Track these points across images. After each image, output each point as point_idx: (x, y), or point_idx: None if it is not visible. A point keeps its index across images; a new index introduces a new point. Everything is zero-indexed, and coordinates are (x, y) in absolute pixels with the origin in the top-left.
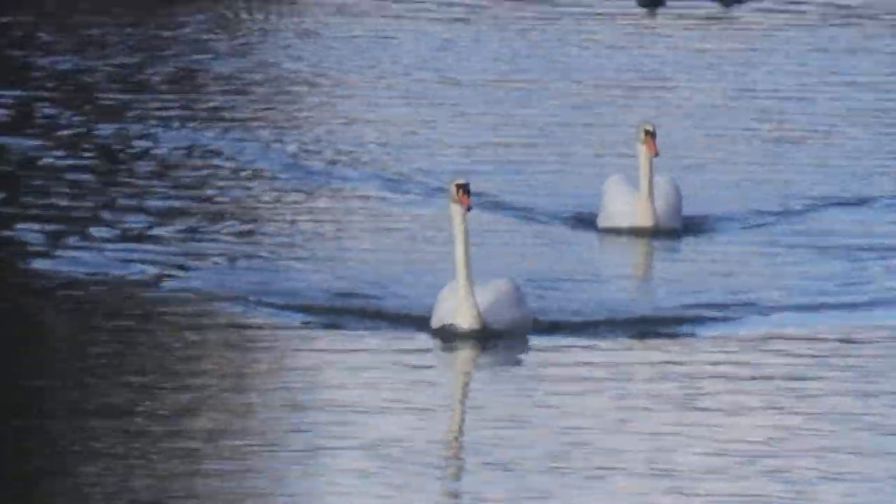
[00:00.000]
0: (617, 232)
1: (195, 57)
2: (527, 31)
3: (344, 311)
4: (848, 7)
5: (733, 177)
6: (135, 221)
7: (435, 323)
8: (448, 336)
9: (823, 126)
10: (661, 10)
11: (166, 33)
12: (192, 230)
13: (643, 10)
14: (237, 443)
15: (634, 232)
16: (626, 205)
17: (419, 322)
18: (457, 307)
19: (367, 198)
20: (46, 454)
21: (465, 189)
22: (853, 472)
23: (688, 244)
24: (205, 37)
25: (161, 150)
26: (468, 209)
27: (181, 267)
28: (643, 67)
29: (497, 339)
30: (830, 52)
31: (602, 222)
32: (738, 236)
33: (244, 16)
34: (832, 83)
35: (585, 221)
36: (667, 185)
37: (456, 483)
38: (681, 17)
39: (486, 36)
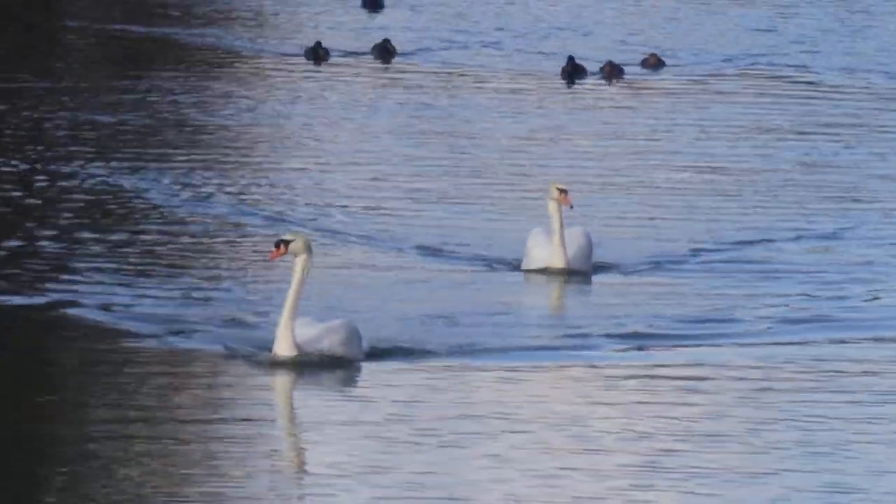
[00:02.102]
0: (535, 273)
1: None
2: (455, 94)
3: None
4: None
5: (640, 225)
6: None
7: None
8: (271, 362)
9: (717, 176)
10: (578, 83)
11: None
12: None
13: (564, 83)
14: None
15: (549, 273)
16: (543, 251)
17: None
18: (277, 337)
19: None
20: None
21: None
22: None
23: (589, 284)
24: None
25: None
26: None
27: (42, 279)
28: (563, 127)
29: (316, 367)
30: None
31: (524, 265)
32: (636, 278)
33: (198, 81)
34: (724, 137)
35: (511, 265)
36: (580, 235)
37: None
38: (596, 86)
39: (421, 98)
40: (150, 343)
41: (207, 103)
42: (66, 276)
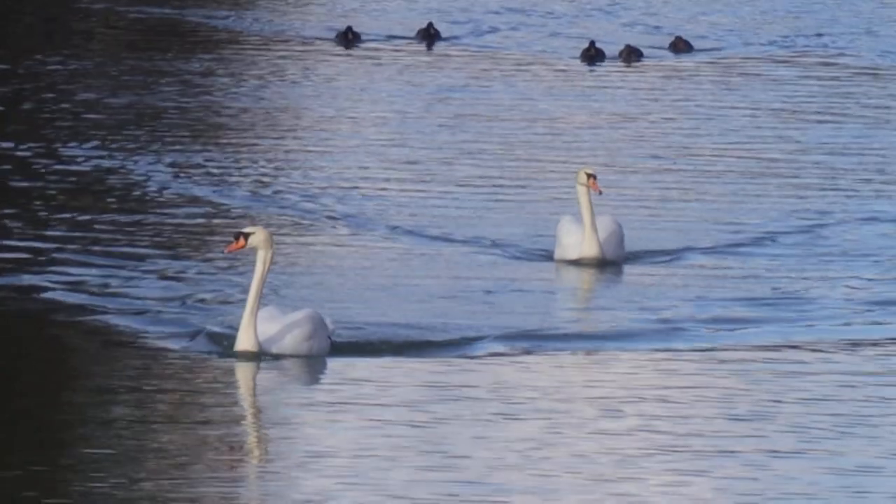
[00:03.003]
0: (568, 263)
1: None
2: (479, 77)
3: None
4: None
5: (669, 213)
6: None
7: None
8: (235, 356)
9: (746, 165)
10: (598, 65)
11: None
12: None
13: (584, 65)
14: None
15: (583, 262)
16: (575, 238)
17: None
18: (239, 332)
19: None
20: None
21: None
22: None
23: (621, 273)
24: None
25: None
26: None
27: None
28: (584, 110)
29: (278, 359)
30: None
31: (557, 255)
32: (665, 265)
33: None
34: (750, 125)
35: (543, 254)
36: (611, 223)
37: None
38: (617, 69)
39: (445, 80)
40: (125, 336)
41: (238, 86)
42: (71, 261)
